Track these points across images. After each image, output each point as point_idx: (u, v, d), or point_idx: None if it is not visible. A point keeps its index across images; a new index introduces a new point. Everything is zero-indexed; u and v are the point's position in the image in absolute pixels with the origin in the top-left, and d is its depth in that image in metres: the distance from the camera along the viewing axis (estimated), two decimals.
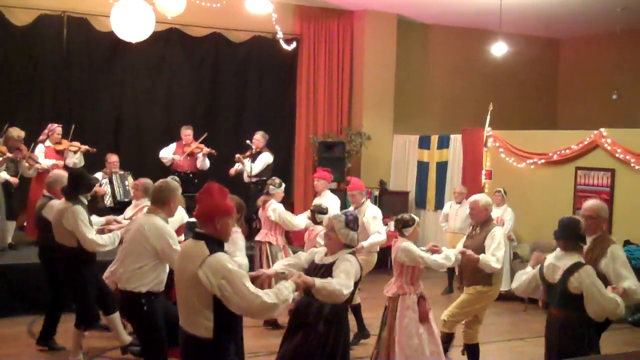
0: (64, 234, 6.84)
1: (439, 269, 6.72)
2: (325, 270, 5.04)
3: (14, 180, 9.78)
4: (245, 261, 5.92)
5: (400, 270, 6.45)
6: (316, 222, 8.23)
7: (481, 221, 6.91)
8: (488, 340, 8.12)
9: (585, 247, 5.62)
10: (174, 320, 4.64)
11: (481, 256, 6.59)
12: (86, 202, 7.04)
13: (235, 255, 5.72)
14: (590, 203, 6.01)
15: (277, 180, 8.93)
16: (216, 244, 4.21)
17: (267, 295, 4.14)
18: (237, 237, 5.98)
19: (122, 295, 5.68)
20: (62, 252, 6.94)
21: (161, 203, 5.63)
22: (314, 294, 4.76)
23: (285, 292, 4.28)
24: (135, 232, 5.58)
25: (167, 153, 11.63)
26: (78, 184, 6.97)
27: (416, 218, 6.67)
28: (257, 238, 8.91)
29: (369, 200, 8.59)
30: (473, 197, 7.13)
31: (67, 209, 6.76)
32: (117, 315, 7.12)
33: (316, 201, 8.95)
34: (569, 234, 5.44)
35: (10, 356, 7.50)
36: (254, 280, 4.60)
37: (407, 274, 6.43)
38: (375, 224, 8.13)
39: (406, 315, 6.34)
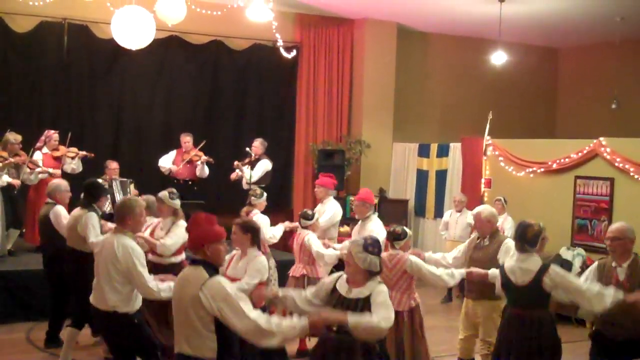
0: (76, 239, 7.24)
1: (441, 286, 6.66)
2: (362, 305, 4.69)
3: (17, 182, 9.81)
4: (254, 281, 5.87)
5: (409, 283, 6.51)
6: (302, 227, 8.11)
7: (486, 233, 6.81)
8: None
9: (621, 275, 5.65)
10: None
11: (490, 271, 6.41)
12: (100, 211, 7.45)
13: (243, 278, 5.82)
14: (616, 225, 5.89)
15: (259, 191, 8.86)
16: (212, 268, 4.36)
17: (266, 322, 4.17)
18: (256, 261, 5.98)
19: (107, 316, 5.60)
20: (72, 255, 7.28)
21: (120, 220, 5.71)
22: (351, 331, 4.51)
23: (292, 326, 4.26)
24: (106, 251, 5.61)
25: (166, 162, 11.63)
26: (94, 193, 7.49)
27: (409, 232, 6.69)
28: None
29: (376, 215, 8.26)
30: (476, 209, 7.05)
31: (81, 216, 7.21)
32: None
33: (319, 208, 8.91)
34: (518, 237, 5.75)
35: None
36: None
37: (412, 285, 6.56)
38: None
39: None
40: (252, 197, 8.78)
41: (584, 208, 10.73)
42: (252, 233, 6.07)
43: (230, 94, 13.25)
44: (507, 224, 10.82)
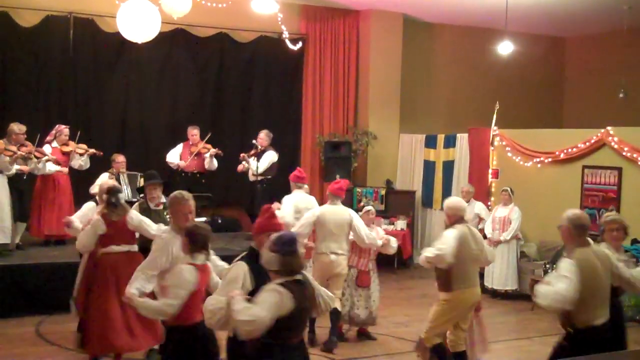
0: None
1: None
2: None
3: (25, 168, 9.87)
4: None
5: None
6: None
7: (448, 223, 6.80)
8: (495, 339, 8.11)
9: None
10: None
11: (422, 251, 6.71)
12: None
13: None
14: None
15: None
16: (252, 256, 4.78)
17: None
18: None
19: None
20: None
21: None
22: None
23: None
24: None
25: (174, 157, 11.64)
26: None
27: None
28: None
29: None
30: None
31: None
32: None
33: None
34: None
35: (16, 356, 7.54)
36: None
37: None
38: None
39: None
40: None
41: (592, 198, 10.71)
42: None
43: (236, 87, 13.24)
44: (513, 214, 10.83)
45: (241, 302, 4.32)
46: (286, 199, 8.84)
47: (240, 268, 4.65)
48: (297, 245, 4.49)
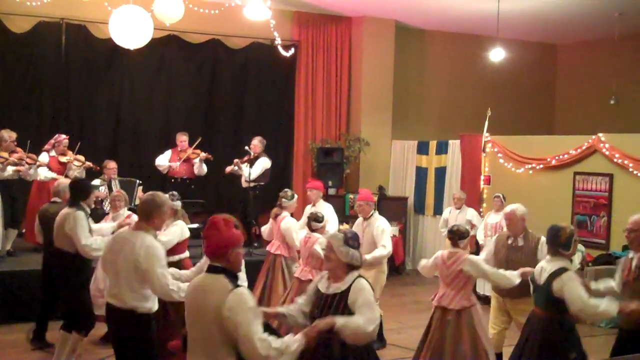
0: (63, 239, 6.97)
1: (506, 285, 6.57)
2: (339, 300, 4.62)
3: (21, 168, 9.86)
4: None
5: (465, 282, 6.48)
6: (312, 230, 8.05)
7: (519, 232, 6.87)
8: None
9: (634, 263, 5.74)
10: None
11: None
12: (88, 210, 7.19)
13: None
14: (635, 217, 5.84)
15: (289, 192, 9.00)
16: (234, 276, 4.07)
17: (268, 348, 3.90)
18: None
19: (122, 314, 5.29)
20: (60, 257, 7.05)
21: (145, 216, 5.37)
22: (339, 333, 4.46)
23: (292, 348, 4.06)
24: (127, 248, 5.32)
25: (163, 161, 11.62)
26: (77, 191, 7.17)
27: (471, 232, 6.80)
28: (270, 249, 8.89)
29: (377, 212, 8.37)
30: (509, 207, 7.09)
31: (69, 214, 6.91)
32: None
33: (312, 210, 8.90)
34: (550, 241, 5.75)
35: None
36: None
37: (469, 285, 6.57)
38: (383, 237, 7.99)
39: (482, 325, 6.52)
40: (283, 199, 8.89)
41: (583, 204, 10.75)
42: None
43: (229, 93, 13.25)
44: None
45: (347, 318, 4.48)
46: (329, 211, 8.87)
47: (248, 293, 4.05)
48: None
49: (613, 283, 5.94)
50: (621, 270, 5.87)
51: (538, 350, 5.66)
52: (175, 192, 7.83)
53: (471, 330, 6.40)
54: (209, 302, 3.94)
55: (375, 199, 13.37)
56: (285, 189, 9.25)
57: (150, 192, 5.55)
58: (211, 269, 4.09)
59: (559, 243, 5.68)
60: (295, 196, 9.01)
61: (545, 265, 5.74)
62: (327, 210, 8.89)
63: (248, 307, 3.90)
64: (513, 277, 6.45)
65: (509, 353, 6.32)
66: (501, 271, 6.52)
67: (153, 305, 5.36)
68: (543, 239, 6.64)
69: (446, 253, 6.58)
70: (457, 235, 6.58)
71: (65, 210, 7.03)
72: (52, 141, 10.58)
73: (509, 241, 6.96)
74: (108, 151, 11.86)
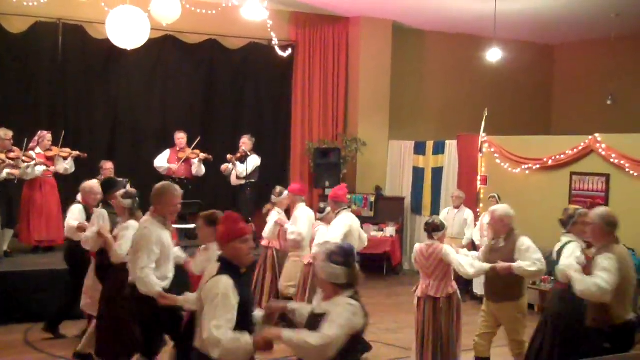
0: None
1: (461, 274, 6.79)
2: (316, 322, 4.16)
3: (16, 172, 9.88)
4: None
5: (446, 271, 6.83)
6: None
7: (500, 233, 6.85)
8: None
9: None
10: None
11: (516, 263, 6.56)
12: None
13: None
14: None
15: (278, 189, 9.34)
16: (229, 266, 4.31)
17: (224, 335, 4.03)
18: None
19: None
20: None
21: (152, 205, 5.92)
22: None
23: (235, 338, 4.06)
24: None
25: (162, 162, 11.63)
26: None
27: (446, 224, 7.12)
28: (263, 244, 9.37)
29: (346, 211, 8.09)
30: (492, 207, 7.19)
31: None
32: None
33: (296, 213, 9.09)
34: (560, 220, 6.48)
35: None
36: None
37: (450, 273, 6.88)
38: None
39: (462, 309, 6.97)
40: (272, 196, 9.29)
41: (580, 204, 10.69)
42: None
43: (226, 93, 13.24)
44: None
45: (296, 332, 4.14)
46: (301, 214, 8.93)
47: (228, 284, 4.17)
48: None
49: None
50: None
51: (555, 319, 6.07)
52: (131, 191, 6.98)
53: (458, 313, 6.89)
54: (203, 286, 4.31)
55: (373, 199, 13.47)
56: (276, 186, 9.57)
57: (162, 182, 6.10)
58: (218, 258, 4.43)
59: (561, 221, 6.41)
60: (285, 193, 9.27)
61: (559, 243, 6.29)
62: (299, 213, 8.98)
63: (216, 292, 4.12)
64: (470, 267, 6.69)
65: (497, 354, 6.55)
66: (468, 260, 6.78)
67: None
68: (522, 239, 6.69)
69: (424, 246, 6.93)
70: (431, 228, 6.93)
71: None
72: (36, 138, 10.56)
73: (493, 242, 6.99)
74: (105, 152, 11.84)
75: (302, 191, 9.32)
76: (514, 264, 6.54)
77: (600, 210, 5.94)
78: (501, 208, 7.01)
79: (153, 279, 5.74)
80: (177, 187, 6.15)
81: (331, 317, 4.06)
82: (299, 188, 9.40)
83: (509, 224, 6.81)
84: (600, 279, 5.49)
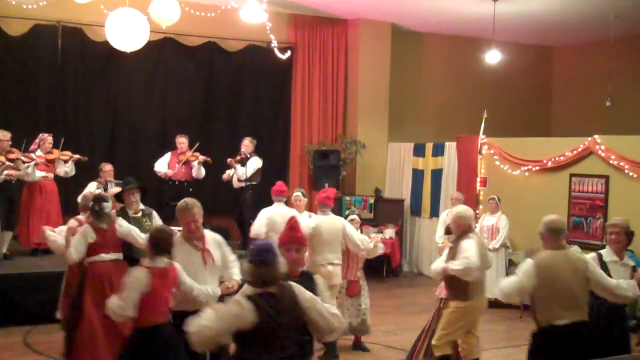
0: None
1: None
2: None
3: (16, 172, 9.85)
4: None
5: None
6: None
7: (455, 233, 6.80)
8: (483, 347, 8.08)
9: None
10: None
11: (448, 263, 6.57)
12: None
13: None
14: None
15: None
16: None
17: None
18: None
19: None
20: None
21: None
22: None
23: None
24: None
25: (161, 167, 11.64)
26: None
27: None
28: None
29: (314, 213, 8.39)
30: (454, 208, 7.24)
31: None
32: None
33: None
34: None
35: None
36: None
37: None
38: None
39: None
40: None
41: (579, 206, 10.76)
42: None
43: (225, 96, 13.25)
44: (501, 223, 10.85)
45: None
46: (262, 211, 8.94)
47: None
48: (273, 256, 4.16)
49: None
50: None
51: None
52: (102, 196, 7.09)
53: None
54: None
55: (372, 200, 13.46)
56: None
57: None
58: None
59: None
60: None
61: None
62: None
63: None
64: (433, 268, 6.89)
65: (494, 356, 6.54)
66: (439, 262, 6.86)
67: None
68: (465, 240, 6.60)
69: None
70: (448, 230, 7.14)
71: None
72: (37, 141, 10.56)
73: (451, 243, 6.99)
74: (105, 154, 11.85)
75: (280, 192, 9.14)
76: (448, 264, 6.55)
77: (546, 217, 5.80)
78: (458, 209, 6.97)
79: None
80: (190, 202, 5.94)
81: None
82: (277, 189, 9.17)
83: (463, 225, 6.70)
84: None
